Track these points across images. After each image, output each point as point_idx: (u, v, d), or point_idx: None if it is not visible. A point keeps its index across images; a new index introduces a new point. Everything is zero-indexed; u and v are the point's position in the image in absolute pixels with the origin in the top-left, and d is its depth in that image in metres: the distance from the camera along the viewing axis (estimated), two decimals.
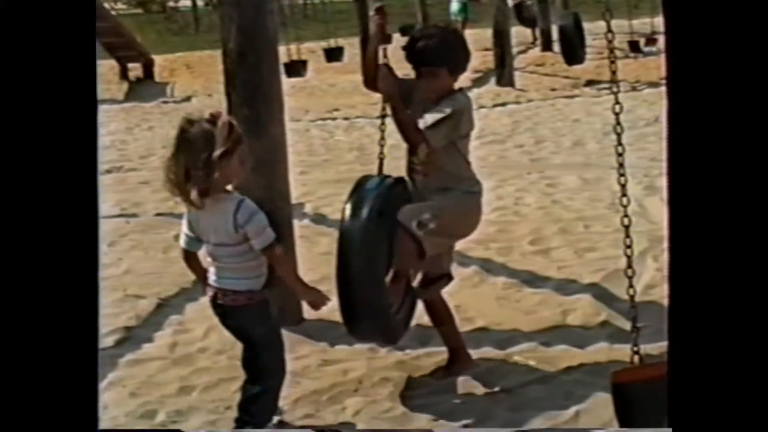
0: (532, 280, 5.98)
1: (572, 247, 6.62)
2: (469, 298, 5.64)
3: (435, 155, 4.38)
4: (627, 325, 4.95)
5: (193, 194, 3.69)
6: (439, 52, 4.41)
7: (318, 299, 3.98)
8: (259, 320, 3.95)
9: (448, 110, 4.32)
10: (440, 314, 4.69)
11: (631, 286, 3.51)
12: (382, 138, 4.59)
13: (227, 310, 3.93)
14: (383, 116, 4.58)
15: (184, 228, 3.98)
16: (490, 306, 5.56)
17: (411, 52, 4.44)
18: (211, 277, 3.95)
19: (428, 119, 4.30)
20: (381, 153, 4.56)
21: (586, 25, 16.72)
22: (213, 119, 3.73)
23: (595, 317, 5.25)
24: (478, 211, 4.55)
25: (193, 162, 3.67)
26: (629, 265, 3.50)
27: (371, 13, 4.71)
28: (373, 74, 4.48)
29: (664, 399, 2.29)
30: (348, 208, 4.13)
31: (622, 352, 4.61)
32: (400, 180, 4.38)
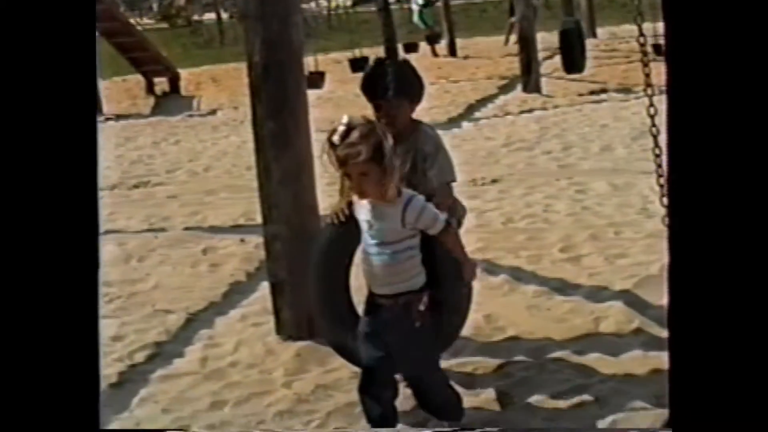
0: (563, 288, 5.92)
1: (603, 253, 6.55)
2: (499, 307, 5.60)
3: None
4: (661, 332, 4.92)
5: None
6: (399, 83, 4.56)
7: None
8: None
9: (441, 153, 4.58)
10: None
11: None
12: None
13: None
14: None
15: None
16: (521, 315, 5.51)
17: (370, 87, 4.62)
18: None
19: (437, 172, 4.52)
20: None
21: (612, 29, 16.65)
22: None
23: (627, 325, 5.19)
24: None
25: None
26: None
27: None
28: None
29: None
30: None
31: (657, 360, 4.58)
32: None
